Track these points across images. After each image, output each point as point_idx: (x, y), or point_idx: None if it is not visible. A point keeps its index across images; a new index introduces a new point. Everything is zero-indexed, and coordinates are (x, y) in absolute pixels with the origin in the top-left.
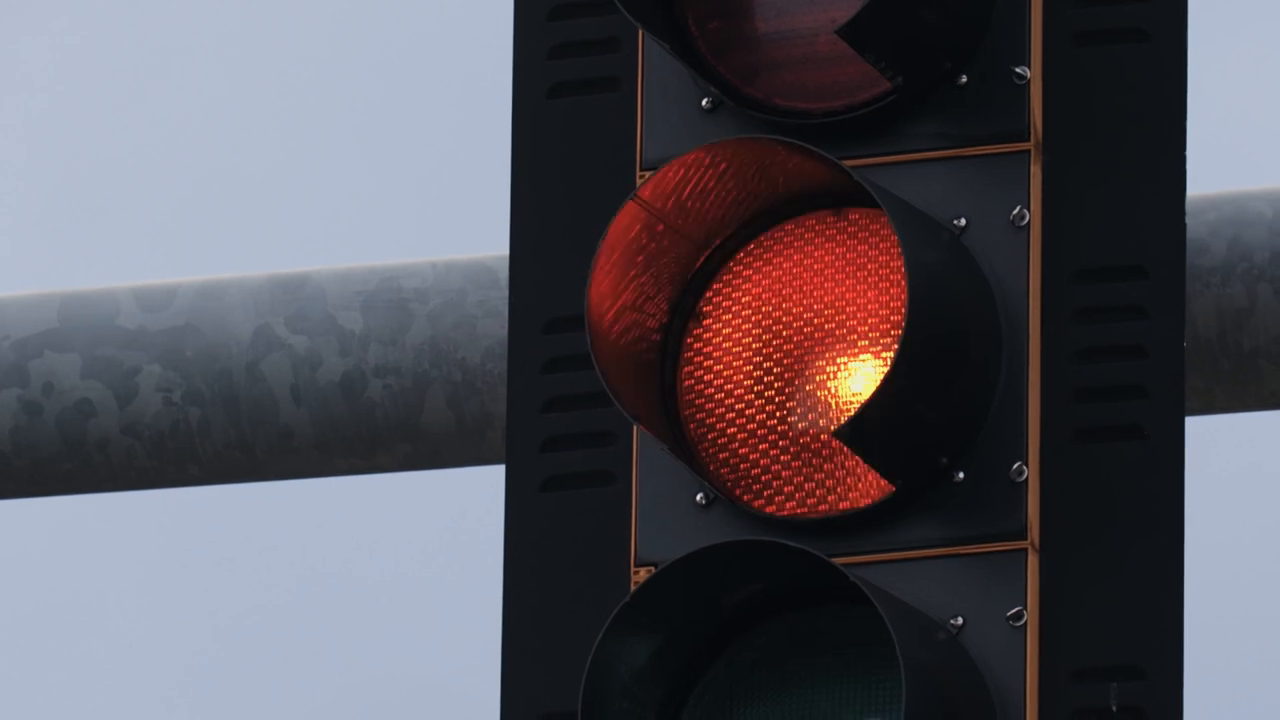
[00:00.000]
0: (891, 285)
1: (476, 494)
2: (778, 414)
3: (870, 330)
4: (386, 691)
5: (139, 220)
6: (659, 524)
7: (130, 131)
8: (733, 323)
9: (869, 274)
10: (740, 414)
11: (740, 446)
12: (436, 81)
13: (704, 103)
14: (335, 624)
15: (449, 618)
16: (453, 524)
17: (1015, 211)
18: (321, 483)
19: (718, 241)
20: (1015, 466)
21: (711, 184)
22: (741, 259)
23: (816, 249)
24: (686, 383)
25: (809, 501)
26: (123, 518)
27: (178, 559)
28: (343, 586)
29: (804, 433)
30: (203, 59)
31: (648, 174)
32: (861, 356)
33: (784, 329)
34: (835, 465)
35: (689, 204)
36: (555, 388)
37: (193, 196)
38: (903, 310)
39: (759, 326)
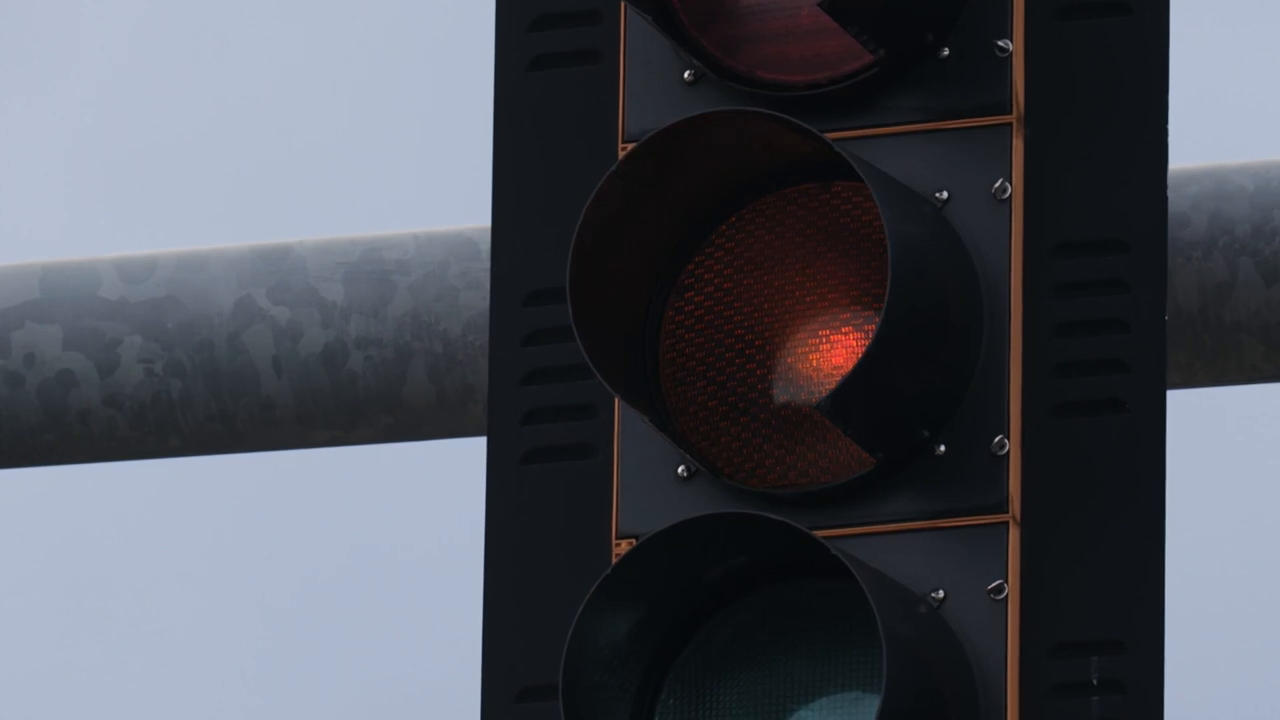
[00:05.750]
0: (873, 258)
1: (457, 466)
2: (759, 387)
3: (852, 303)
4: (364, 665)
5: (121, 192)
6: (640, 497)
7: (118, 108)
8: (714, 295)
9: (850, 247)
10: (722, 386)
11: (721, 419)
12: (419, 53)
13: (686, 75)
14: (314, 598)
15: (429, 592)
16: (433, 496)
17: (997, 185)
18: (301, 454)
19: (700, 214)
20: (996, 440)
21: (693, 156)
22: (724, 231)
23: (798, 222)
24: (668, 355)
25: (790, 474)
26: (107, 486)
27: (172, 538)
28: (323, 561)
29: (785, 405)
30: (185, 39)
31: (629, 146)
32: (843, 329)
33: (765, 302)
34: (816, 438)
35: (671, 177)
36: (536, 360)
37: (174, 168)
38: (884, 283)
39: (740, 299)
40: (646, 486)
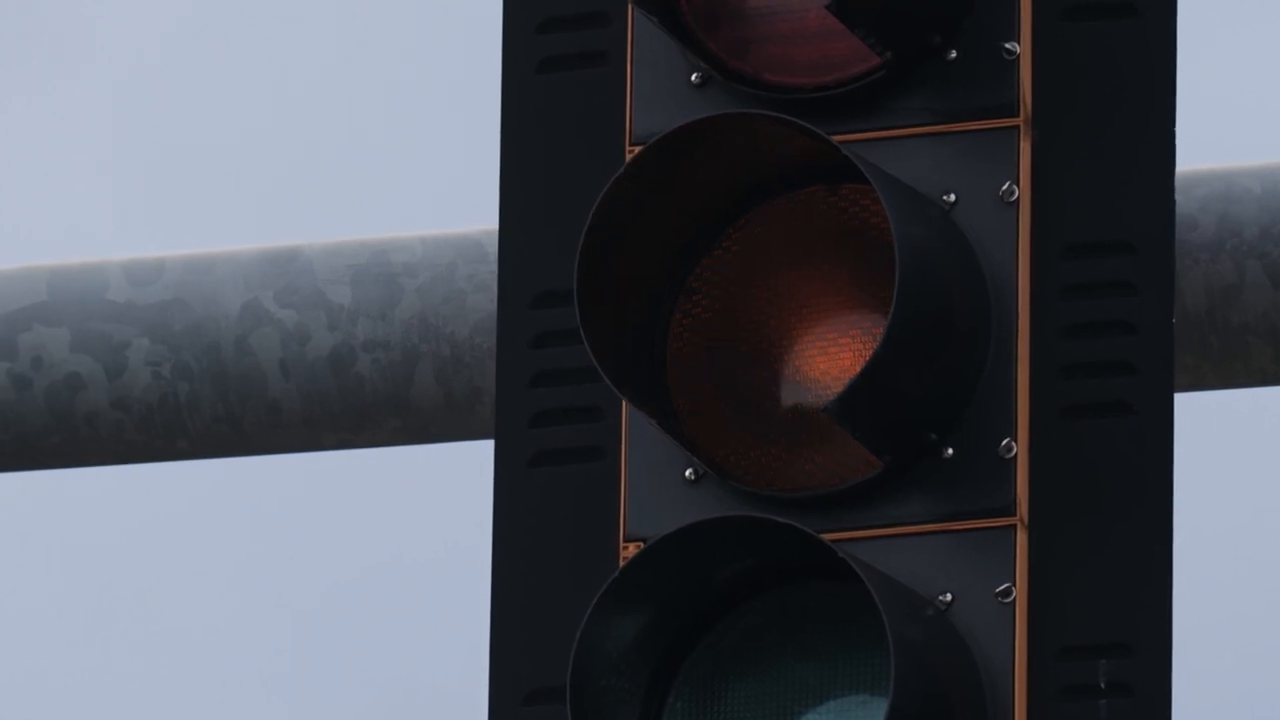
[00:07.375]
0: (880, 261)
1: (465, 469)
2: (766, 389)
3: (859, 306)
4: (369, 668)
5: (128, 194)
6: (648, 499)
7: (125, 111)
8: (722, 298)
9: (858, 250)
10: (729, 389)
11: (729, 422)
12: (425, 56)
13: (694, 78)
14: (319, 600)
15: (436, 594)
16: (441, 499)
17: (1004, 187)
18: (307, 457)
19: (707, 216)
20: (1004, 443)
21: (701, 159)
22: (731, 234)
23: (805, 224)
24: (675, 358)
25: (797, 477)
26: (114, 489)
27: (179, 541)
28: (329, 564)
29: (792, 408)
30: (193, 42)
31: (637, 149)
32: (850, 332)
33: (772, 305)
34: (824, 441)
35: (678, 179)
36: (544, 362)
37: (181, 170)
38: (891, 286)
39: (748, 302)
40: (654, 489)
